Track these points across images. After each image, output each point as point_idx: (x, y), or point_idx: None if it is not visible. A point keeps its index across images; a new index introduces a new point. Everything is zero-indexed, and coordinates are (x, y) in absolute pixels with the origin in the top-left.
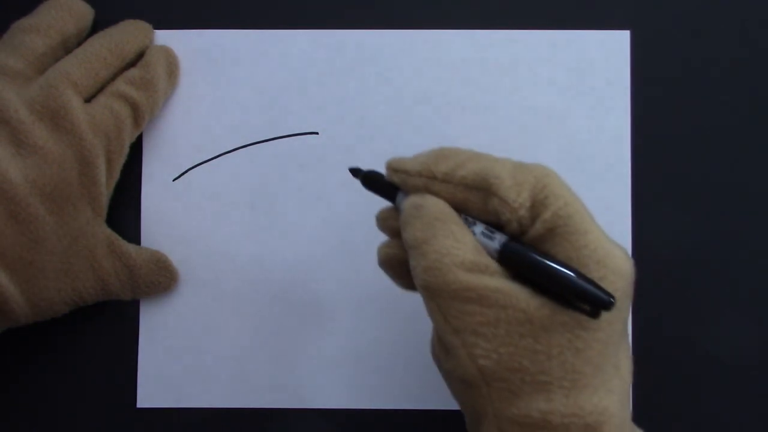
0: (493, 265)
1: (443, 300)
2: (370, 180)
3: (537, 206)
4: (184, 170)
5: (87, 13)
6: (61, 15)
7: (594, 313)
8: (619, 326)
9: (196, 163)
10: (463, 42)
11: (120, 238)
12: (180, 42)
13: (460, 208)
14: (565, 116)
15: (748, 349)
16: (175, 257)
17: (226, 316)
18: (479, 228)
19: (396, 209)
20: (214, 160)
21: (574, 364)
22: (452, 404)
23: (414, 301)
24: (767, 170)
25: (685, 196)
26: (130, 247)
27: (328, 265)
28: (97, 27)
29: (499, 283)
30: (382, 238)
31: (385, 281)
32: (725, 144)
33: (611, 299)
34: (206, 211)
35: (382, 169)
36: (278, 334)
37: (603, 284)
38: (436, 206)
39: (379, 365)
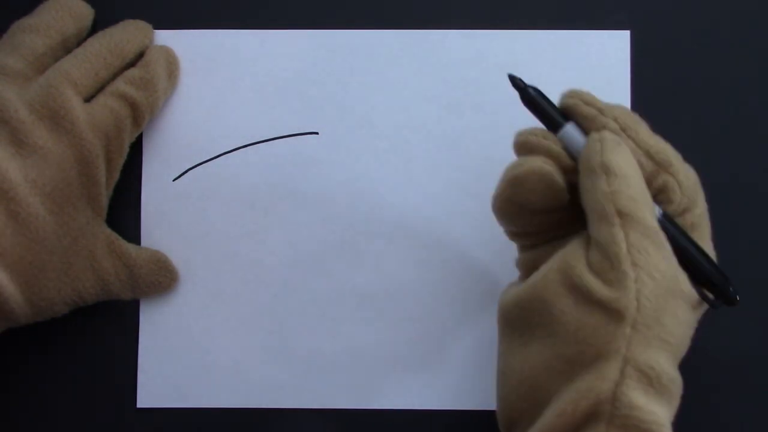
0: None
1: (636, 232)
2: (533, 97)
3: (690, 200)
4: (184, 170)
5: (87, 13)
6: (61, 15)
7: (714, 305)
8: None
9: (196, 163)
10: (463, 42)
11: (120, 238)
12: (180, 42)
13: None
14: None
15: (748, 348)
16: (175, 257)
17: (226, 316)
18: None
19: (549, 134)
20: (214, 160)
21: (685, 339)
22: (452, 404)
23: (413, 301)
24: (767, 170)
25: None
26: (130, 247)
27: (328, 265)
28: (97, 27)
29: (668, 244)
30: (380, 238)
31: (384, 281)
32: (725, 144)
33: (736, 300)
34: (206, 211)
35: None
36: (278, 334)
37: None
38: (628, 150)
39: (379, 365)
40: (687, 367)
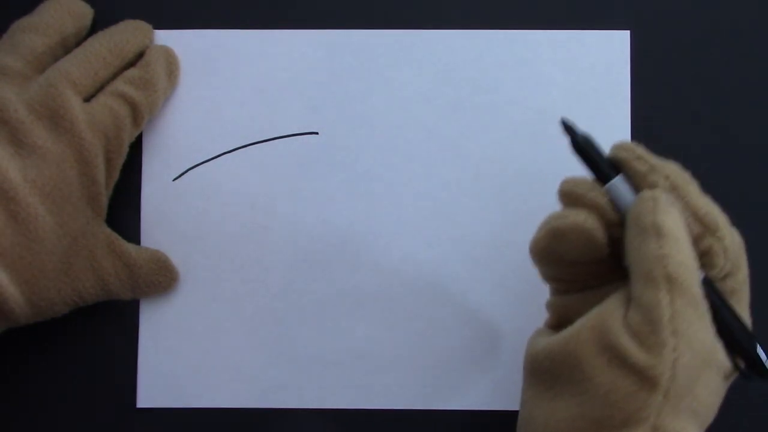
0: None
1: (682, 299)
2: (584, 146)
3: (733, 266)
4: (184, 170)
5: (86, 13)
6: (61, 15)
7: (747, 376)
8: None
9: (196, 163)
10: (463, 42)
11: (120, 237)
12: (180, 42)
13: None
14: (565, 116)
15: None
16: (175, 257)
17: (226, 316)
18: None
19: (596, 185)
20: (214, 160)
21: (715, 410)
22: (452, 404)
23: (413, 301)
24: (767, 170)
25: None
26: (130, 247)
27: (328, 265)
28: (96, 27)
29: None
30: (380, 238)
31: (384, 282)
32: (725, 144)
33: None
34: (206, 211)
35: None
36: (278, 334)
37: None
38: (678, 212)
39: (379, 365)
40: None
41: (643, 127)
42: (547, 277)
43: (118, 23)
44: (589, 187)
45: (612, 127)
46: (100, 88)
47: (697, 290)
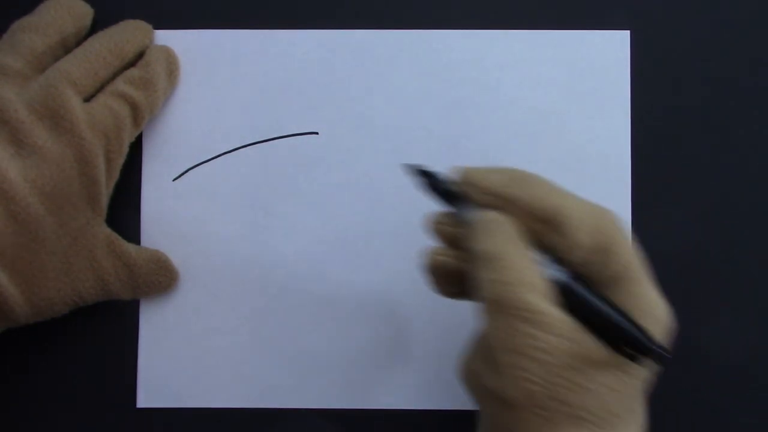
0: (551, 294)
1: (508, 317)
2: (431, 183)
3: (605, 252)
4: (184, 170)
5: (86, 13)
6: (61, 14)
7: (636, 359)
8: (647, 378)
9: (196, 163)
10: (463, 42)
11: (120, 237)
12: (180, 42)
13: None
14: (565, 116)
15: (747, 348)
16: (175, 257)
17: (226, 316)
18: (536, 257)
19: (452, 216)
20: (214, 160)
21: (610, 405)
22: (452, 404)
23: (413, 301)
24: (767, 170)
25: (685, 196)
26: (130, 247)
27: (327, 265)
28: (96, 27)
29: (560, 314)
30: (380, 238)
31: (384, 282)
32: (725, 144)
33: (665, 352)
34: (206, 211)
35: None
36: (278, 334)
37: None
38: (513, 226)
39: (378, 365)
40: (687, 366)
41: (643, 127)
42: (447, 294)
43: (118, 23)
44: (443, 221)
45: (612, 127)
46: (100, 88)
47: (530, 303)
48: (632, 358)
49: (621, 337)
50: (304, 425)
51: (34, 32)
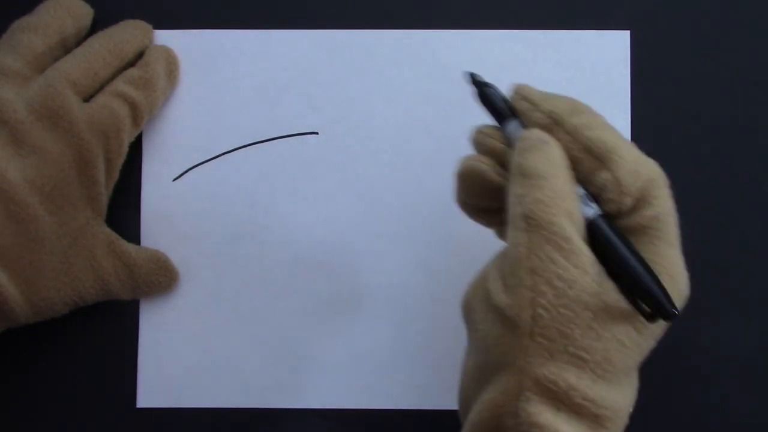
0: (582, 229)
1: (538, 237)
2: (488, 94)
3: (641, 201)
4: (184, 170)
5: (86, 13)
6: (60, 14)
7: (651, 318)
8: (653, 341)
9: (196, 163)
10: (463, 42)
11: (120, 237)
12: (180, 42)
13: (573, 163)
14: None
15: (748, 348)
16: (175, 257)
17: (226, 315)
18: (580, 191)
19: (498, 131)
20: (214, 160)
21: (613, 357)
22: (452, 404)
23: (414, 301)
24: (767, 170)
25: (685, 196)
26: (130, 247)
27: (328, 265)
28: (96, 27)
29: (590, 253)
30: (380, 237)
31: (384, 282)
32: (725, 144)
33: (675, 311)
34: (206, 211)
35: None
36: (278, 334)
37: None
38: (560, 150)
39: (379, 365)
40: (687, 366)
41: (643, 127)
42: (469, 207)
43: (118, 23)
44: (489, 133)
45: None
46: (99, 88)
47: (560, 227)
48: (647, 316)
49: (639, 290)
50: (304, 425)
51: (33, 32)
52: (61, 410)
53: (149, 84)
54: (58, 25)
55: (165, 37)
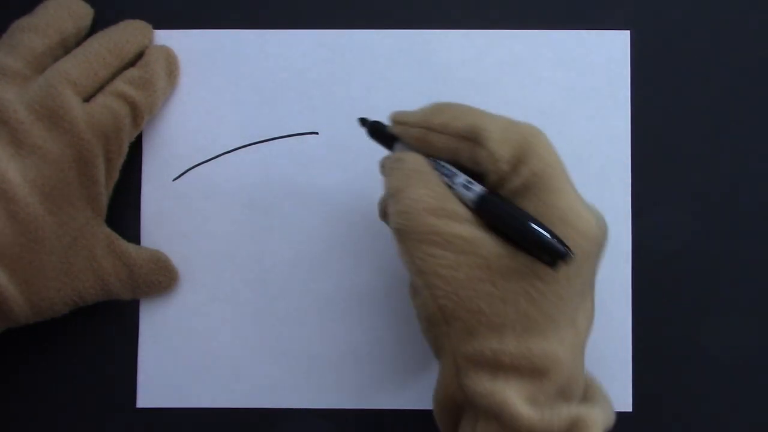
0: (464, 213)
1: (411, 242)
2: (375, 129)
3: (518, 163)
4: (184, 170)
5: (86, 13)
6: (60, 14)
7: (552, 263)
8: (578, 284)
9: (196, 163)
10: (463, 42)
11: (120, 237)
12: (180, 42)
13: (452, 157)
14: (565, 116)
15: (747, 348)
16: (175, 257)
17: (226, 316)
18: (460, 179)
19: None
20: (214, 160)
21: (527, 311)
22: None
23: None
24: (767, 170)
25: (685, 196)
26: (130, 247)
27: (327, 265)
28: (96, 27)
29: (464, 230)
30: (380, 237)
31: (384, 282)
32: (725, 144)
33: (568, 252)
34: (206, 211)
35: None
36: (278, 334)
37: (564, 241)
38: (414, 160)
39: (379, 365)
40: (687, 366)
41: (643, 127)
42: None
43: (118, 23)
44: (385, 163)
45: (612, 127)
46: (99, 88)
47: (428, 225)
48: (547, 263)
49: (530, 242)
50: (304, 425)
51: (33, 32)
52: (61, 410)
53: (149, 84)
54: (58, 25)
55: (165, 37)
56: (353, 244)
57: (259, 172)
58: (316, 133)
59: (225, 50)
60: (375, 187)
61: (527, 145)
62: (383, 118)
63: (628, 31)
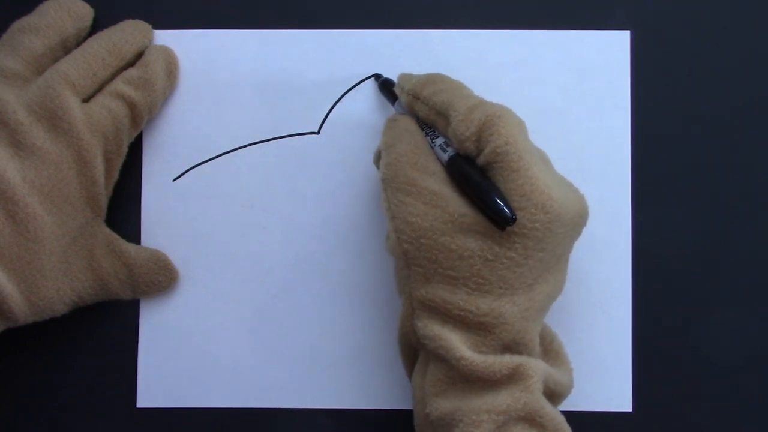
0: (439, 171)
1: (391, 190)
2: (383, 86)
3: (482, 141)
4: (184, 170)
5: (86, 14)
6: (60, 15)
7: (501, 225)
8: (537, 256)
9: (196, 163)
10: (463, 42)
11: (119, 237)
12: (180, 42)
13: (433, 125)
14: (565, 116)
15: (747, 348)
16: (175, 257)
17: (226, 316)
18: (440, 140)
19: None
20: (214, 160)
21: (480, 271)
22: None
23: None
24: (767, 170)
25: (685, 196)
26: (130, 247)
27: (328, 265)
28: (96, 27)
29: (435, 185)
30: (379, 237)
31: (384, 282)
32: (725, 144)
33: (512, 216)
34: (206, 211)
35: None
36: (278, 334)
37: (522, 214)
38: (405, 122)
39: (379, 365)
40: (687, 365)
41: (643, 127)
42: None
43: (118, 23)
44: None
45: (612, 127)
46: (99, 89)
47: (407, 177)
48: (498, 225)
49: (484, 204)
50: (304, 425)
51: (33, 33)
52: (61, 410)
53: (148, 84)
54: (58, 25)
55: (165, 37)
56: (353, 244)
57: (259, 172)
58: (316, 133)
59: (225, 50)
60: (375, 187)
61: (490, 123)
62: (383, 119)
63: (628, 31)
